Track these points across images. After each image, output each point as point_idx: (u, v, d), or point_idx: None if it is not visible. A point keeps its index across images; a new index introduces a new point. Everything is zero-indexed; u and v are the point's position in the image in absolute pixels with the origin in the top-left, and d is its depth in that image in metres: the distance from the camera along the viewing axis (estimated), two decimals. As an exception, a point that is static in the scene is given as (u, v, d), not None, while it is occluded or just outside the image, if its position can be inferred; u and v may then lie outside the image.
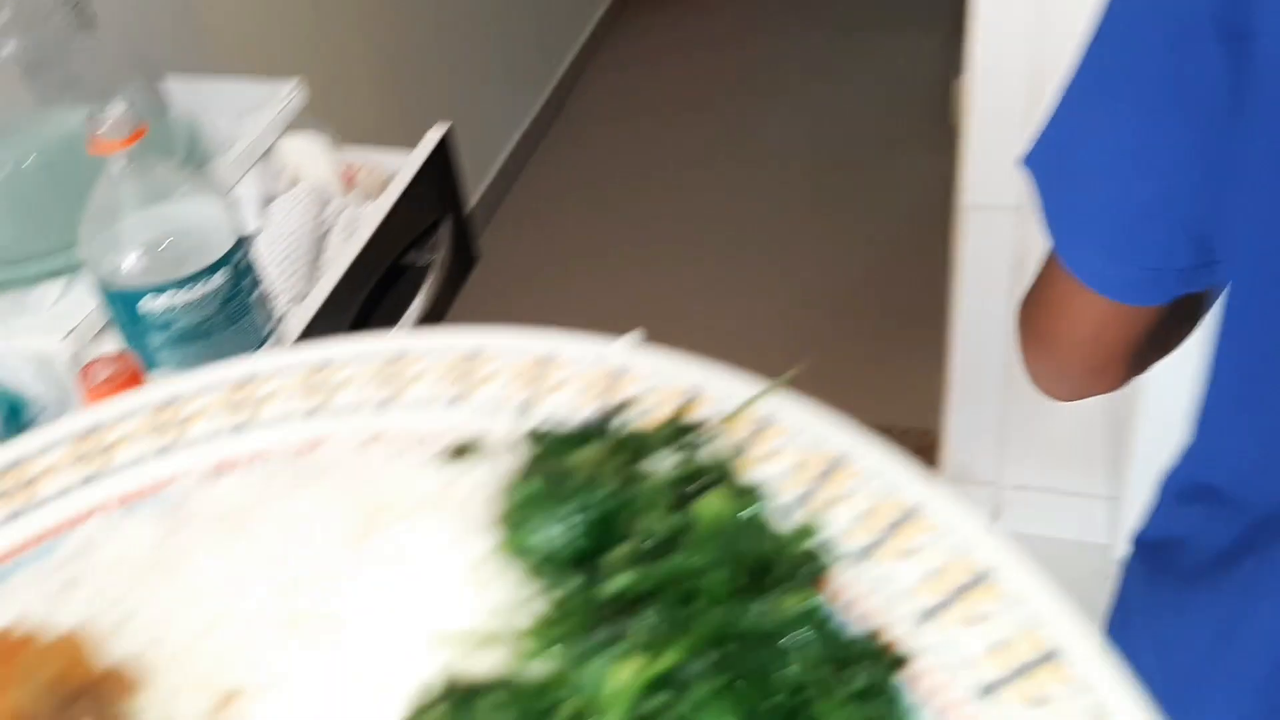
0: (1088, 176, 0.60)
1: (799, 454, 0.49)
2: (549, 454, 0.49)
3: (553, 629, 0.43)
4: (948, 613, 0.44)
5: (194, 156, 1.09)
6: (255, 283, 0.81)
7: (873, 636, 0.44)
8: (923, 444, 2.09)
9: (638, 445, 0.49)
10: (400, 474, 0.51)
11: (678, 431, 0.50)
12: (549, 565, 0.45)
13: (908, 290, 2.41)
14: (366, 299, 1.10)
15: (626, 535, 0.46)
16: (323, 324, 1.01)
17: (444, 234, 1.19)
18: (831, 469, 0.48)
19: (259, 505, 0.49)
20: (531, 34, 2.97)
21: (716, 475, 0.48)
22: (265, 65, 1.81)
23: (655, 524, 0.46)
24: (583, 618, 0.43)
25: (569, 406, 0.52)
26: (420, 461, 0.51)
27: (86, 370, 0.65)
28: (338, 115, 1.69)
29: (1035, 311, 0.67)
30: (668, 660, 0.41)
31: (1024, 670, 0.41)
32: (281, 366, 0.56)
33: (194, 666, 0.44)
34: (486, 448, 0.51)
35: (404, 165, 1.15)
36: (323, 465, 0.52)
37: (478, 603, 0.44)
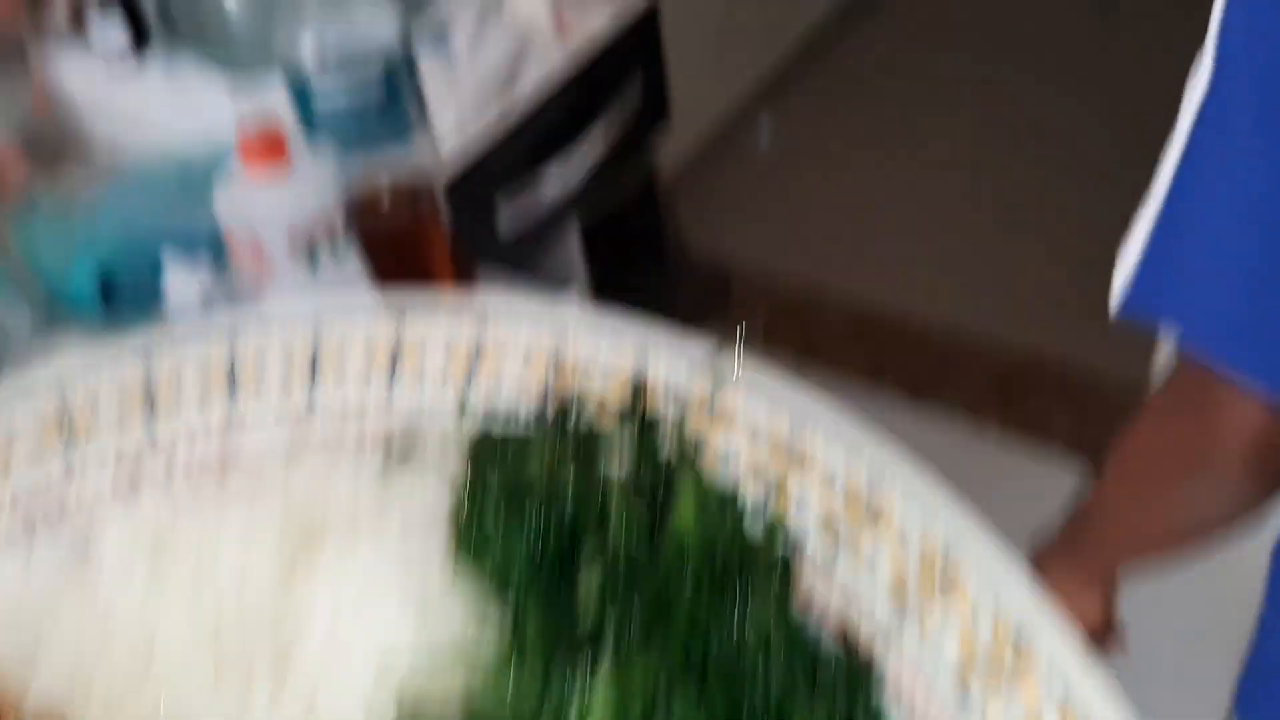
0: (1224, 267, 0.56)
1: (758, 445, 0.46)
2: (500, 459, 0.45)
3: (523, 651, 0.40)
4: (919, 613, 0.41)
5: (424, -19, 1.23)
6: (413, 88, 0.94)
7: (843, 640, 0.42)
8: (1136, 396, 2.03)
9: (593, 446, 0.46)
10: (335, 488, 0.46)
11: (636, 429, 0.47)
12: (510, 582, 0.42)
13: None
14: (555, 128, 1.23)
15: (589, 542, 0.43)
16: (501, 152, 1.14)
17: (637, 84, 1.28)
18: (793, 462, 0.45)
19: (179, 530, 0.45)
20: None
21: (683, 477, 0.45)
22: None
23: (624, 538, 0.43)
24: (551, 638, 0.40)
25: (512, 391, 0.47)
26: (355, 470, 0.46)
27: (242, 130, 0.80)
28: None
29: (1178, 440, 0.65)
30: (642, 677, 0.39)
31: (998, 668, 0.39)
32: (191, 358, 0.52)
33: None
34: (427, 447, 0.46)
35: (605, 15, 1.25)
36: (250, 478, 0.47)
37: (430, 627, 0.41)
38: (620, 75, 1.27)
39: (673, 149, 2.38)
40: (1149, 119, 2.70)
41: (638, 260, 2.30)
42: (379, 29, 0.92)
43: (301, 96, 0.92)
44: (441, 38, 1.21)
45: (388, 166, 0.79)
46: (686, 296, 2.22)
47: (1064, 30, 2.92)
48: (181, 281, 1.06)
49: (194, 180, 1.13)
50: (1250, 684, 0.90)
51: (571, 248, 1.47)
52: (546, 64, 1.20)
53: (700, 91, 2.43)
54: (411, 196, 0.77)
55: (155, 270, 1.07)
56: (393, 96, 0.93)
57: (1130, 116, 2.64)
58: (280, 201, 0.80)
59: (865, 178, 2.58)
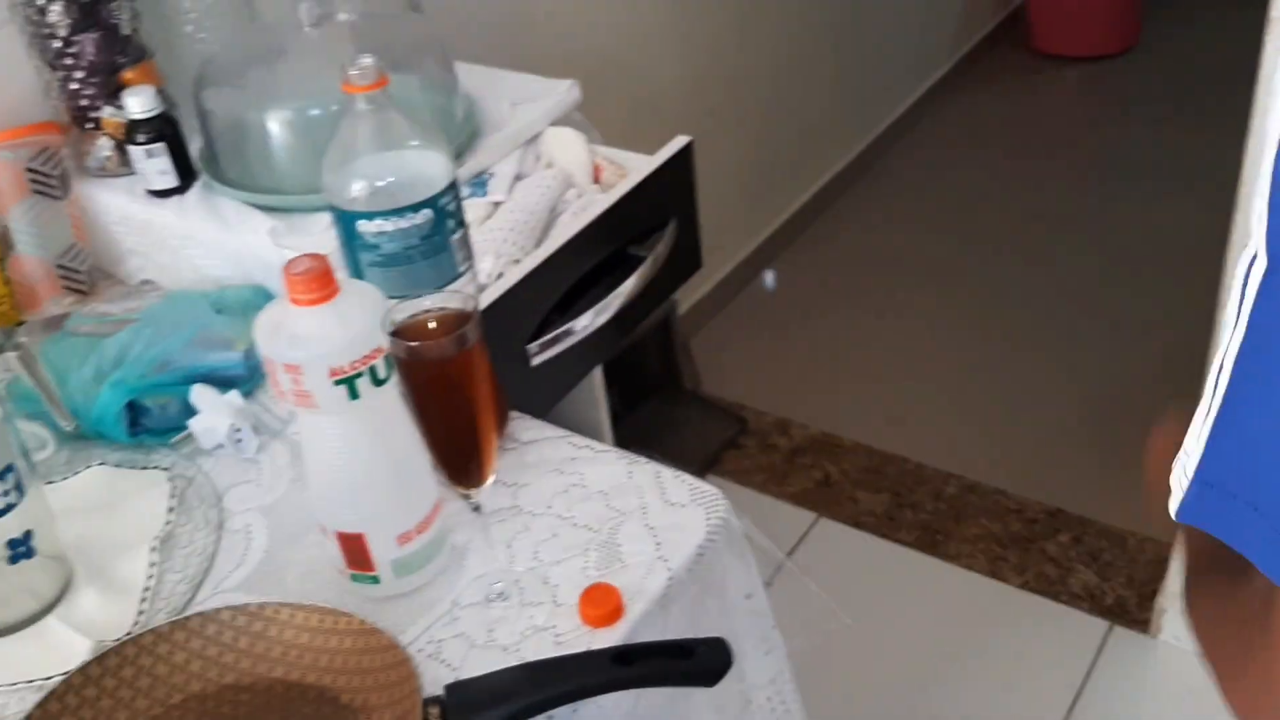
0: None
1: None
2: None
3: None
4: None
5: (468, 129, 1.26)
6: (457, 228, 0.95)
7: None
8: (1157, 555, 2.01)
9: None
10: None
11: None
12: None
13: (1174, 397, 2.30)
14: (587, 277, 1.24)
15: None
16: (534, 287, 1.14)
17: (669, 233, 1.30)
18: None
19: None
20: (841, 102, 3.04)
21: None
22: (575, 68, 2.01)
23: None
24: None
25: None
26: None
27: (291, 263, 0.81)
28: (616, 122, 1.85)
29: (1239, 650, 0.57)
30: None
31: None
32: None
33: None
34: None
35: (642, 166, 1.27)
36: None
37: None
38: (655, 224, 1.29)
39: (688, 289, 2.42)
40: (1160, 270, 2.73)
41: (654, 392, 2.31)
42: (427, 169, 0.93)
43: (349, 232, 0.93)
44: (483, 181, 1.23)
45: (433, 298, 0.79)
46: (701, 430, 2.22)
47: (1072, 181, 2.99)
48: (209, 411, 1.05)
49: (228, 312, 1.14)
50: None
51: (594, 380, 1.48)
52: (584, 209, 1.22)
53: (719, 240, 2.47)
54: (457, 325, 0.76)
55: (183, 398, 1.07)
56: (438, 234, 0.94)
57: (1141, 267, 2.68)
58: (323, 331, 0.80)
59: (876, 325, 2.60)
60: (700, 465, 2.10)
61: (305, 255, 0.81)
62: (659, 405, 2.23)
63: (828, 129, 2.93)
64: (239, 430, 1.04)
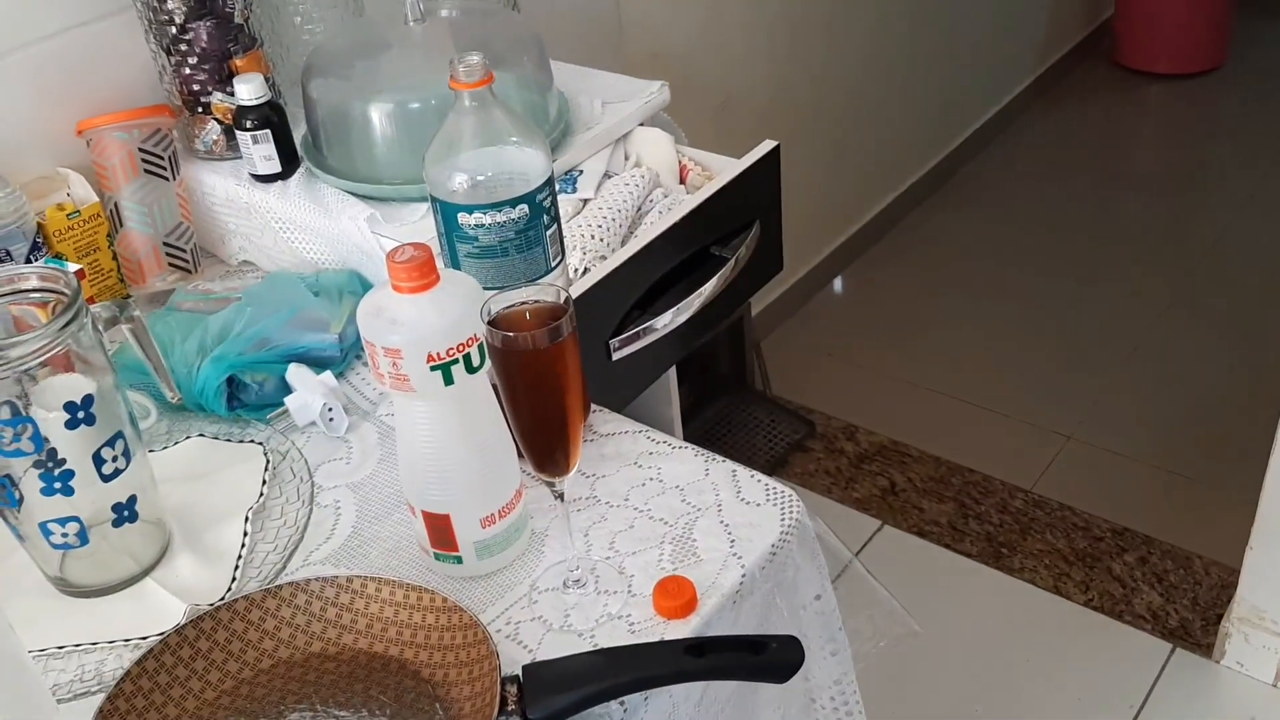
0: None
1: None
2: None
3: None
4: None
5: (560, 126, 1.29)
6: (551, 223, 0.98)
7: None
8: (1223, 580, 1.98)
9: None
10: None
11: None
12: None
13: (1247, 420, 2.28)
14: (669, 274, 1.26)
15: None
16: (618, 283, 1.17)
17: (752, 236, 1.32)
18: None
19: None
20: (926, 105, 3.03)
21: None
22: (663, 69, 2.03)
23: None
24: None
25: None
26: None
27: (394, 251, 0.84)
28: (702, 123, 1.87)
29: None
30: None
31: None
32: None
33: None
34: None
35: (728, 169, 1.30)
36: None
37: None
38: (739, 226, 1.31)
39: (761, 292, 2.43)
40: (1237, 291, 2.69)
41: (724, 391, 2.33)
42: (526, 165, 0.96)
43: (450, 223, 0.96)
44: (572, 178, 1.26)
45: (529, 290, 0.82)
46: (769, 431, 2.23)
47: (1151, 198, 2.96)
48: (303, 390, 1.09)
49: (325, 295, 1.18)
50: None
51: (669, 377, 1.50)
52: (669, 209, 1.24)
53: (794, 244, 2.48)
54: (552, 318, 0.79)
55: (280, 376, 1.11)
56: (533, 228, 0.97)
57: (1219, 289, 2.64)
58: (423, 318, 0.83)
59: (947, 336, 2.59)
60: (767, 466, 2.12)
61: (409, 245, 0.85)
62: (728, 404, 2.25)
63: (908, 137, 2.93)
64: (331, 409, 1.08)
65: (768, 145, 1.32)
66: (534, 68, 1.30)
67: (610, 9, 1.95)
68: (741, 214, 1.32)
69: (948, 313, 2.69)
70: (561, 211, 1.22)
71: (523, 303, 0.81)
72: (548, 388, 0.81)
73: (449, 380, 0.85)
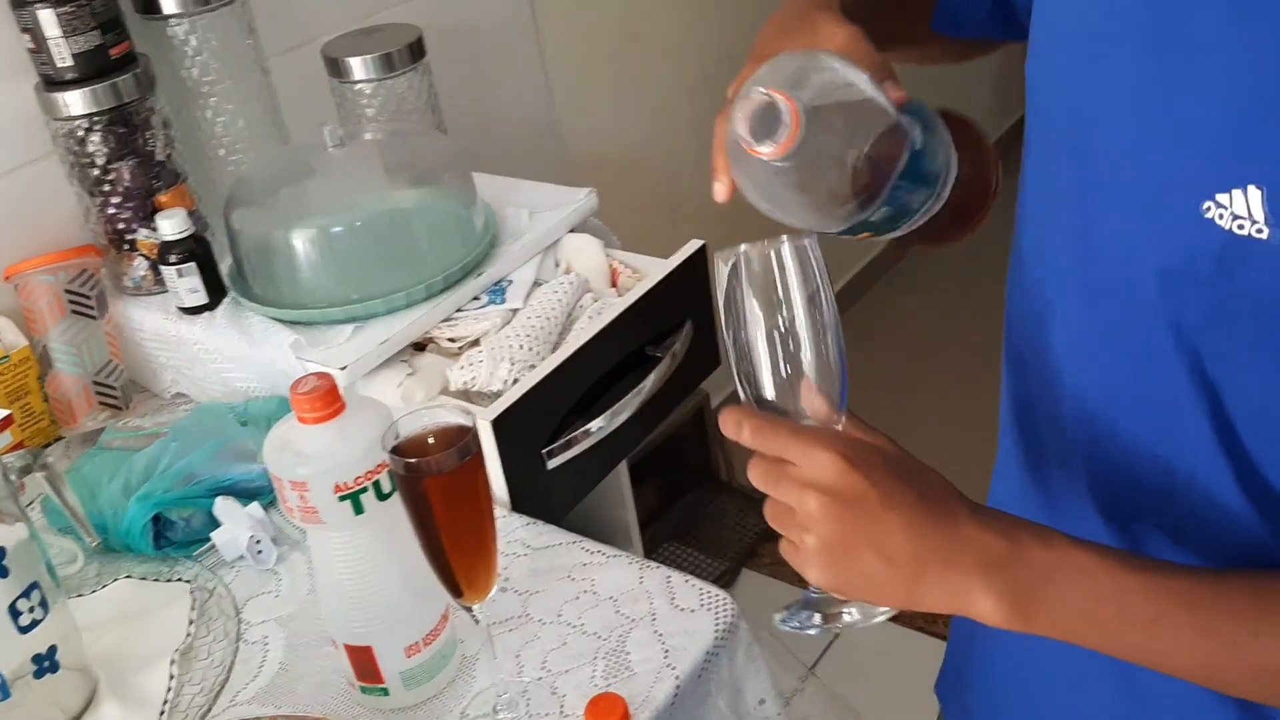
0: None
1: None
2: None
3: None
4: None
5: (487, 238, 1.30)
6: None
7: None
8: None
9: None
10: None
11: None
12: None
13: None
14: (607, 378, 1.26)
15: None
16: (549, 391, 1.16)
17: (685, 333, 1.32)
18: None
19: None
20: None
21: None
22: (601, 173, 2.06)
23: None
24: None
25: None
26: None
27: (297, 383, 0.84)
28: (640, 225, 1.88)
29: None
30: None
31: None
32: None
33: None
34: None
35: (657, 269, 1.30)
36: None
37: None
38: (672, 325, 1.31)
39: (721, 382, 2.43)
40: None
41: (693, 485, 2.31)
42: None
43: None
44: (501, 289, 1.26)
45: (434, 413, 0.81)
46: (738, 521, 2.21)
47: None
48: (231, 523, 1.08)
49: (253, 423, 1.17)
50: (950, 670, 1.01)
51: (621, 479, 1.49)
52: (599, 314, 1.24)
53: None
54: (457, 438, 0.78)
55: (207, 511, 1.10)
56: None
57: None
58: (329, 448, 0.82)
59: (911, 416, 2.58)
60: (737, 557, 2.10)
61: (311, 375, 0.84)
62: (696, 497, 2.24)
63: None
64: (259, 542, 1.06)
65: (695, 244, 1.33)
66: (458, 183, 1.31)
67: (545, 120, 1.97)
68: (673, 313, 1.32)
69: (909, 393, 2.69)
70: (489, 324, 1.22)
71: (425, 427, 0.81)
72: (456, 512, 0.79)
73: (359, 509, 0.84)
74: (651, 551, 2.09)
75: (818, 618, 0.68)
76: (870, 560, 0.62)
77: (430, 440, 0.80)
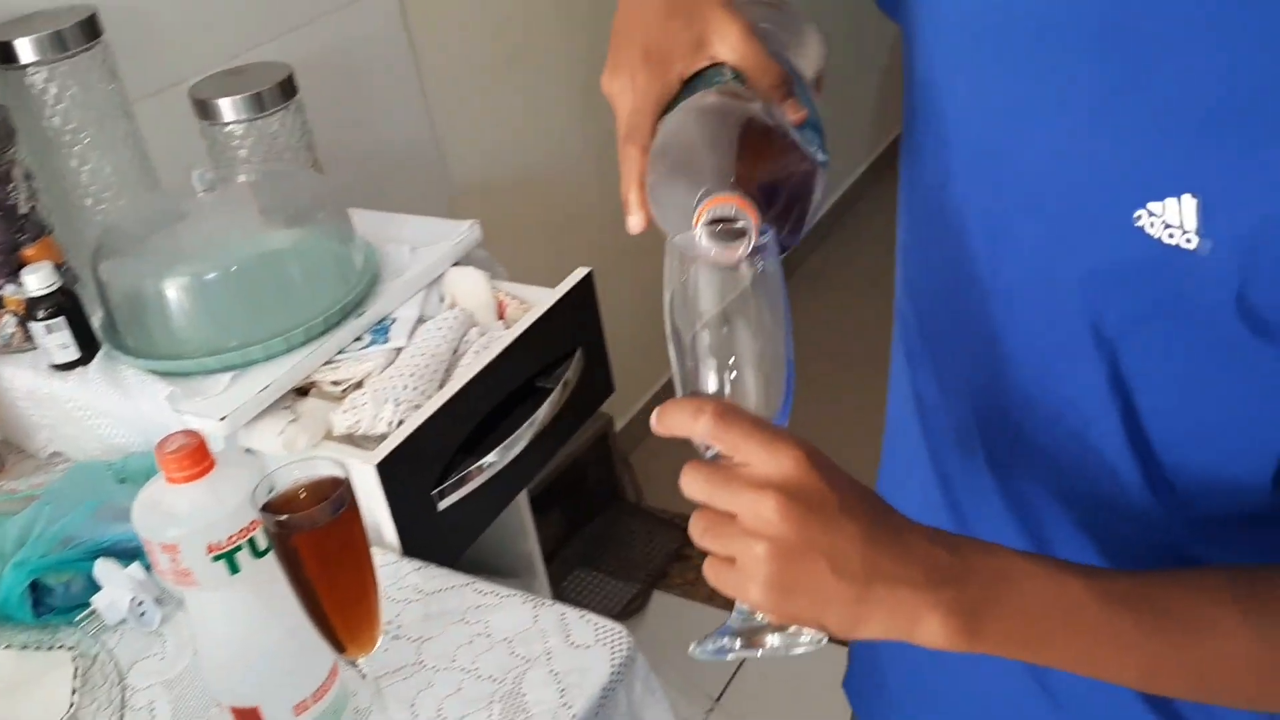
0: None
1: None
2: None
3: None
4: None
5: (368, 276, 1.28)
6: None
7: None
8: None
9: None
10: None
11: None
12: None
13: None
14: (498, 412, 1.24)
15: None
16: (436, 430, 1.15)
17: (575, 362, 1.31)
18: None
19: None
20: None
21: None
22: (489, 203, 2.04)
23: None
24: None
25: None
26: None
27: (163, 442, 0.81)
28: (548, 250, 1.88)
29: None
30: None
31: None
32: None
33: None
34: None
35: (544, 299, 1.29)
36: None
37: None
38: (562, 354, 1.30)
39: (625, 404, 2.43)
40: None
41: (600, 509, 2.30)
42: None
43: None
44: (384, 328, 1.25)
45: (305, 466, 0.79)
46: (646, 543, 2.21)
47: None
48: (111, 586, 1.05)
49: (132, 480, 1.14)
50: (858, 667, 1.00)
51: (521, 512, 1.48)
52: (485, 348, 1.23)
53: (651, 353, 2.48)
54: (331, 490, 0.77)
55: (87, 574, 1.06)
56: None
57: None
58: (199, 508, 0.80)
59: (819, 433, 2.61)
60: (647, 580, 2.09)
61: (178, 433, 0.82)
62: (604, 522, 2.23)
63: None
64: (141, 603, 1.03)
65: (581, 272, 1.32)
66: (335, 221, 1.29)
67: (428, 149, 1.96)
68: (563, 341, 1.32)
69: (805, 408, 2.71)
70: (372, 364, 1.20)
71: (297, 481, 0.79)
72: (332, 567, 0.78)
73: (235, 569, 0.82)
74: (560, 580, 2.08)
75: (739, 643, 0.64)
76: (822, 571, 0.57)
77: (302, 495, 0.78)
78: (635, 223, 0.69)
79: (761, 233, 0.60)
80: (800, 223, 0.65)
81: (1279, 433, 0.65)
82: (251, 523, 0.81)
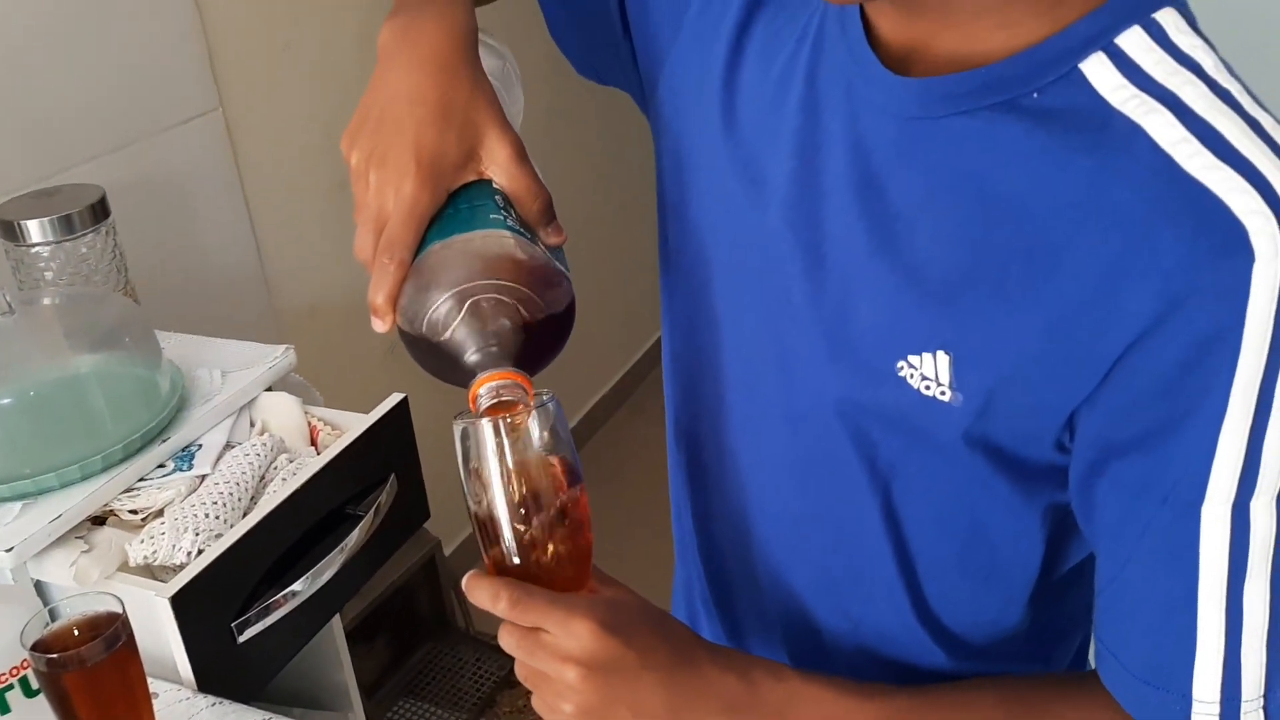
0: None
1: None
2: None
3: None
4: None
5: (174, 401, 1.26)
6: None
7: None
8: None
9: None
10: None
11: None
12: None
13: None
14: (301, 540, 1.23)
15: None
16: (238, 560, 1.13)
17: (389, 488, 1.31)
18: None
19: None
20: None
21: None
22: (314, 326, 2.03)
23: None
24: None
25: None
26: None
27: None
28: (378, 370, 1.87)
29: None
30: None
31: None
32: None
33: None
34: None
35: (357, 424, 1.29)
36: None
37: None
38: (376, 480, 1.30)
39: (453, 528, 2.41)
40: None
41: (429, 638, 2.25)
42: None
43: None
44: (190, 454, 1.22)
45: (79, 603, 0.77)
46: (475, 670, 2.17)
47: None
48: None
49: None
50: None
51: (335, 641, 1.45)
52: (294, 474, 1.22)
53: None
54: (105, 626, 0.75)
55: None
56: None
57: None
58: (-34, 646, 0.77)
59: (649, 549, 2.62)
60: (475, 708, 2.05)
61: (-52, 567, 0.79)
62: (433, 649, 2.19)
63: (597, 348, 3.02)
64: (-94, 750, 0.97)
65: (395, 398, 1.33)
66: (141, 346, 1.27)
67: (253, 273, 1.95)
68: (376, 467, 1.31)
69: (644, 525, 2.73)
70: (173, 492, 1.18)
71: (71, 618, 0.77)
72: (105, 707, 0.76)
73: (5, 709, 0.78)
74: (386, 710, 2.02)
75: None
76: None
77: (75, 632, 0.76)
78: (381, 326, 0.71)
79: (538, 398, 0.63)
80: (561, 340, 0.69)
81: (1028, 562, 0.71)
82: (23, 661, 0.78)
